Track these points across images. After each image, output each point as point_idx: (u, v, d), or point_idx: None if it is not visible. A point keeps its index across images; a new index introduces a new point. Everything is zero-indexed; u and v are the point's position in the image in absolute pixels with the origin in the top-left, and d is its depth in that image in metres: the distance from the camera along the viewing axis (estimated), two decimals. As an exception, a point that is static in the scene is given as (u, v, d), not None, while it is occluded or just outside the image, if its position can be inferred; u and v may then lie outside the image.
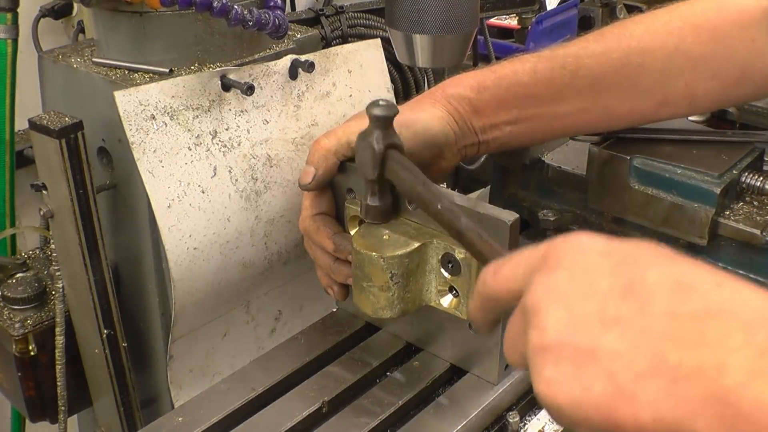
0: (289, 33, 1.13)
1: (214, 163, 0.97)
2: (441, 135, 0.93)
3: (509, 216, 0.80)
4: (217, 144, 0.98)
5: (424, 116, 0.92)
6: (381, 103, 0.81)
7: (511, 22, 1.91)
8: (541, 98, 0.96)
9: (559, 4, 1.92)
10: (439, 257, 0.84)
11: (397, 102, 1.19)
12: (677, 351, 0.48)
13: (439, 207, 0.75)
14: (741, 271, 0.99)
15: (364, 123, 0.83)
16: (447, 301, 0.85)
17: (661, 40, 0.96)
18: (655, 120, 1.04)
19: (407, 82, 1.57)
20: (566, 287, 0.53)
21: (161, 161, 0.93)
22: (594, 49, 0.97)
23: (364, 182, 0.85)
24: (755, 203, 1.01)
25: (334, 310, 1.01)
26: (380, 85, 1.15)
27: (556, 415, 0.54)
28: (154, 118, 0.93)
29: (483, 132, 0.97)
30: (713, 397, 0.47)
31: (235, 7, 0.95)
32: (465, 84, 0.96)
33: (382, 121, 0.81)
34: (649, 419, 0.49)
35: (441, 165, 0.96)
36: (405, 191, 0.82)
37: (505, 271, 0.59)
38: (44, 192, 0.99)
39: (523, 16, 1.81)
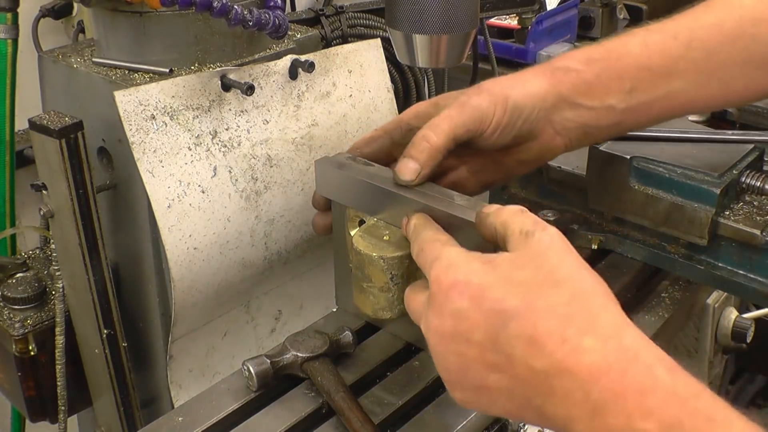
0: (289, 33, 1.13)
1: (214, 163, 0.97)
2: (532, 112, 0.90)
3: (509, 216, 0.80)
4: (217, 144, 0.98)
5: (517, 93, 0.89)
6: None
7: (511, 22, 1.92)
8: (654, 70, 0.92)
9: (559, 4, 1.92)
10: (439, 257, 0.84)
11: (396, 101, 1.19)
12: (539, 397, 0.63)
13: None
14: (741, 271, 0.99)
15: (464, 113, 0.87)
16: (447, 301, 0.85)
17: None
18: None
19: (407, 82, 1.57)
20: (452, 335, 0.67)
21: (161, 161, 0.93)
22: (706, 20, 0.93)
23: None
24: (755, 203, 1.01)
25: (334, 310, 1.01)
26: (380, 85, 1.15)
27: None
28: (154, 118, 0.93)
29: (593, 108, 0.91)
30: None
31: (235, 7, 0.95)
32: (573, 57, 0.93)
33: None
34: (537, 424, 0.68)
35: (533, 148, 0.93)
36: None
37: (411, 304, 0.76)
38: (44, 192, 0.99)
39: (523, 16, 1.82)
